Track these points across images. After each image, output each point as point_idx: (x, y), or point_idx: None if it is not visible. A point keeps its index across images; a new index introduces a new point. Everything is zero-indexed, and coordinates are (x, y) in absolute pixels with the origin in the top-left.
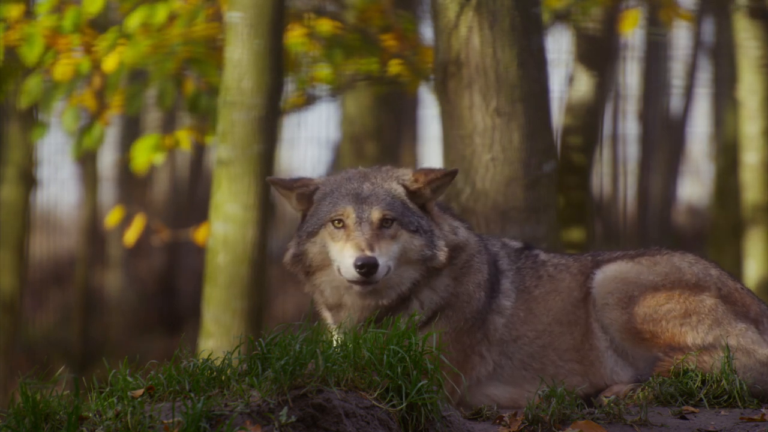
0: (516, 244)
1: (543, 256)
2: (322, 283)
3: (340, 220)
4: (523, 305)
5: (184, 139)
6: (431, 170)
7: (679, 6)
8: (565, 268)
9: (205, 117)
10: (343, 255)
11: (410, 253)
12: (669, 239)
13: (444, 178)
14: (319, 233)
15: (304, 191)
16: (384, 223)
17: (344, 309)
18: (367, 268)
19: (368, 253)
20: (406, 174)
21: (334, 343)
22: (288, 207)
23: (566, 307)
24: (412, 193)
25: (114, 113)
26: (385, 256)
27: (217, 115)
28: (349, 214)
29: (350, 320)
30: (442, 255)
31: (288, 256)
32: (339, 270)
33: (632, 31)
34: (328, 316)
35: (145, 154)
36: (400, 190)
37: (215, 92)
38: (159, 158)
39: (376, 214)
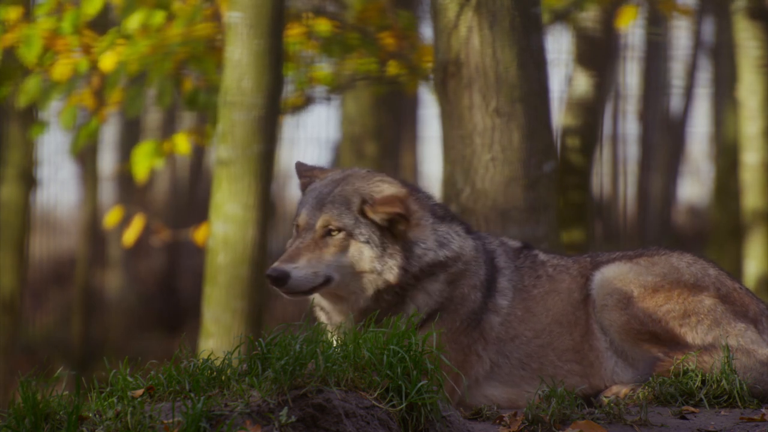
0: (515, 243)
1: (542, 256)
2: None
3: (297, 225)
4: (521, 304)
5: (183, 143)
6: (386, 202)
7: (677, 0)
8: (565, 269)
9: (204, 117)
10: None
11: (362, 262)
12: (669, 239)
13: (390, 213)
14: (293, 233)
15: (305, 182)
16: (330, 231)
17: (324, 312)
18: (271, 279)
19: (282, 265)
20: (372, 194)
21: (334, 342)
22: (288, 207)
23: (566, 307)
24: (366, 214)
25: (111, 110)
26: (309, 267)
27: (217, 115)
28: (302, 220)
29: (349, 321)
30: (390, 275)
31: None
32: None
33: (630, 27)
34: (321, 315)
35: (146, 161)
36: (357, 204)
37: (214, 90)
38: (159, 163)
39: (320, 222)
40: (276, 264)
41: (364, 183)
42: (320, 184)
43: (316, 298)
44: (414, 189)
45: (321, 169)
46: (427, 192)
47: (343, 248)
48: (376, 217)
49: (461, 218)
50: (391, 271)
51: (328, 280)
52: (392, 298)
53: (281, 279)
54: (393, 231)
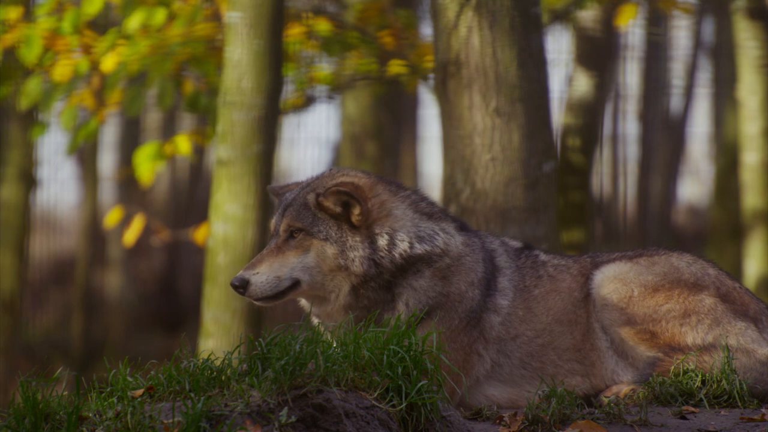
0: (516, 243)
1: (543, 256)
2: None
3: (270, 233)
4: (522, 304)
5: (185, 144)
6: (336, 186)
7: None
8: (566, 269)
9: (204, 119)
10: None
11: (327, 260)
12: (669, 239)
13: (338, 194)
14: None
15: (281, 198)
16: (293, 233)
17: (317, 318)
18: (234, 288)
19: (244, 272)
20: (323, 188)
21: (333, 343)
22: None
23: (567, 306)
24: (321, 206)
25: (111, 111)
26: (271, 272)
27: (217, 116)
28: (271, 227)
29: (347, 323)
30: (354, 267)
31: None
32: None
33: (630, 27)
34: (315, 321)
35: (148, 164)
36: (312, 201)
37: (214, 92)
38: (161, 166)
39: (283, 226)
40: (239, 272)
41: (326, 180)
42: (291, 192)
43: (311, 306)
44: (390, 182)
45: (296, 183)
46: (416, 189)
47: (306, 249)
48: (329, 204)
49: (456, 217)
50: (354, 263)
51: (296, 283)
52: (374, 294)
53: (241, 286)
54: (352, 221)
